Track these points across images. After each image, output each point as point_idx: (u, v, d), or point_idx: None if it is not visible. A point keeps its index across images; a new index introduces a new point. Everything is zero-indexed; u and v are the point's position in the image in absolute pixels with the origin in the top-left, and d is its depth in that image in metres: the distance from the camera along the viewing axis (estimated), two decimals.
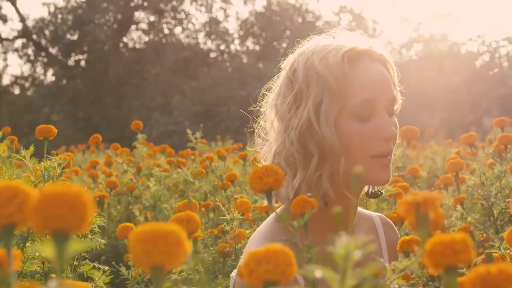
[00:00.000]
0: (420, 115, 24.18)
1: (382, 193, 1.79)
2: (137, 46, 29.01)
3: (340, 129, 1.53)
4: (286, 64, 1.67)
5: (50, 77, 28.84)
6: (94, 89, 26.62)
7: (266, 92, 1.73)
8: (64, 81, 27.54)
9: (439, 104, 25.37)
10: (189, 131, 3.78)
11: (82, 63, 28.40)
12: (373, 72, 1.57)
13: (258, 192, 1.21)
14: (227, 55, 28.85)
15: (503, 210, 2.61)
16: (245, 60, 27.60)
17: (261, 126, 1.73)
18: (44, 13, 51.95)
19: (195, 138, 3.83)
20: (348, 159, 1.52)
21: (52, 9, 27.99)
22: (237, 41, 29.23)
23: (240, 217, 2.28)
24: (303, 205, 1.23)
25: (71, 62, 28.11)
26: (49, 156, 2.16)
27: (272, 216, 1.63)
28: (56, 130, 2.18)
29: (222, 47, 28.89)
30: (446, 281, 0.74)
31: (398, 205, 0.76)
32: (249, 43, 28.76)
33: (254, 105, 1.76)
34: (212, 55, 29.11)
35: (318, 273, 0.67)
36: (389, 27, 55.60)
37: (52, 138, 2.17)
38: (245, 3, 29.65)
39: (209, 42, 29.08)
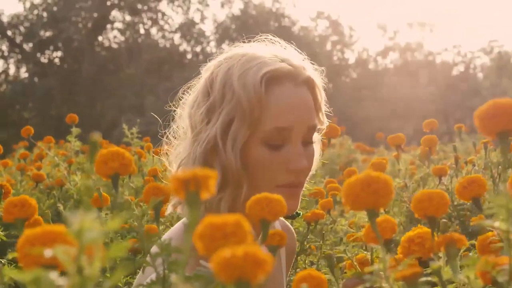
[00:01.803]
0: (393, 123, 24.28)
1: (299, 214, 1.68)
2: (113, 45, 28.82)
3: (247, 154, 1.42)
4: (207, 69, 1.54)
5: (23, 74, 28.55)
6: (67, 87, 26.34)
7: (182, 96, 1.60)
8: (37, 79, 27.24)
9: (412, 113, 25.51)
10: (125, 126, 3.70)
11: (56, 60, 28.14)
12: (292, 98, 1.44)
13: (104, 178, 1.13)
14: (203, 57, 28.76)
15: None
16: None
17: (173, 129, 1.61)
18: (19, 9, 51.57)
19: (131, 134, 3.74)
20: (251, 186, 1.41)
21: (28, 5, 27.73)
22: (212, 44, 29.19)
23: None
24: (154, 192, 1.17)
25: (44, 59, 27.83)
26: None
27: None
28: None
29: (198, 49, 28.79)
30: None
31: (169, 183, 0.69)
32: (225, 46, 28.73)
33: (170, 104, 1.64)
34: (188, 56, 29.01)
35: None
36: (365, 34, 55.85)
37: None
38: (222, 6, 29.61)
39: (184, 44, 28.96)
